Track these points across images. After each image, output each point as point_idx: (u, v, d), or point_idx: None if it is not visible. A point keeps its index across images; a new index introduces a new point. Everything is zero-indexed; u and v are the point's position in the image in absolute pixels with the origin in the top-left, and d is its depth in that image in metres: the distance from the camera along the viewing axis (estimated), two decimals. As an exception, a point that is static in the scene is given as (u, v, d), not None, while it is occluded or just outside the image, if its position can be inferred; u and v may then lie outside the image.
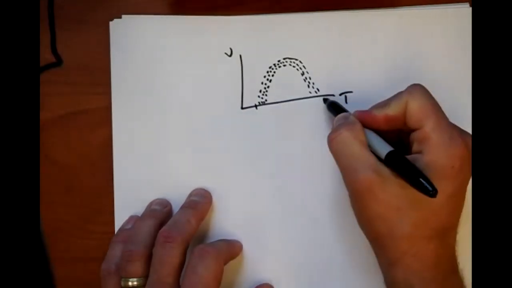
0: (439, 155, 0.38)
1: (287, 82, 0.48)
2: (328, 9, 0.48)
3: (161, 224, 0.44)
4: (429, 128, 0.38)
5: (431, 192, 0.35)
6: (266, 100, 0.48)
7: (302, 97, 0.48)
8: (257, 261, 0.47)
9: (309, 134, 0.47)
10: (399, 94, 0.41)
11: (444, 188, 0.37)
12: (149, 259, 0.42)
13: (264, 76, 0.48)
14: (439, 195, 0.36)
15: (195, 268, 0.41)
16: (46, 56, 0.42)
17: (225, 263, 0.43)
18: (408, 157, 0.39)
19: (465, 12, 0.47)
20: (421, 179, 0.36)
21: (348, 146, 0.40)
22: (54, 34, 0.43)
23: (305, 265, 0.47)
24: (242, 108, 0.48)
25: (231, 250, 0.45)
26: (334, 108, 0.46)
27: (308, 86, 0.48)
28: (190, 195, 0.47)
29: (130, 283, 0.42)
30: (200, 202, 0.46)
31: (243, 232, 0.47)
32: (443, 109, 0.46)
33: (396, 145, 0.40)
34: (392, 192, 0.38)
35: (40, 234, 0.45)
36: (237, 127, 0.48)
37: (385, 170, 0.38)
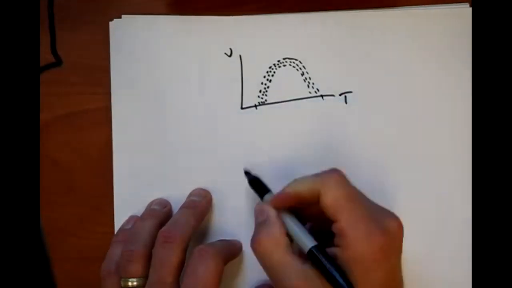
0: (358, 251, 0.37)
1: (287, 82, 0.48)
2: (328, 10, 0.48)
3: (161, 224, 0.44)
4: (343, 224, 0.37)
5: None
6: (266, 100, 0.48)
7: (302, 97, 0.48)
8: (257, 261, 0.47)
9: (308, 134, 0.47)
10: (314, 177, 0.40)
11: (372, 279, 0.36)
12: (149, 259, 0.42)
13: (264, 76, 0.48)
14: (371, 286, 0.36)
15: (195, 269, 0.41)
16: (46, 56, 0.42)
17: (225, 263, 0.43)
18: (331, 250, 0.38)
19: (465, 12, 0.47)
20: (337, 278, 0.36)
21: (269, 256, 0.39)
22: (54, 34, 0.43)
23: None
24: (242, 108, 0.48)
25: (231, 250, 0.45)
26: (256, 185, 0.45)
27: (308, 86, 0.48)
28: (190, 195, 0.47)
29: (130, 283, 0.42)
30: (200, 202, 0.46)
31: (243, 232, 0.47)
32: (443, 108, 0.46)
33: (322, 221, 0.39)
34: None
35: (40, 234, 0.45)
36: (237, 127, 0.48)
37: (310, 272, 0.38)
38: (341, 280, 0.36)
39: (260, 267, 0.45)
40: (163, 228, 0.43)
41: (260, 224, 0.41)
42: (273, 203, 0.41)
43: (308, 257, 0.38)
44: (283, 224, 0.40)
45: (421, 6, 0.48)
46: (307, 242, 0.39)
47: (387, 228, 0.37)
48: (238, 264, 0.47)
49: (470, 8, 0.47)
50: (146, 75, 0.48)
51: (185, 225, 0.43)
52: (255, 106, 0.48)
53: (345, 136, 0.47)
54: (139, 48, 0.48)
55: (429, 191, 0.47)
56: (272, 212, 0.41)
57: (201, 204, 0.46)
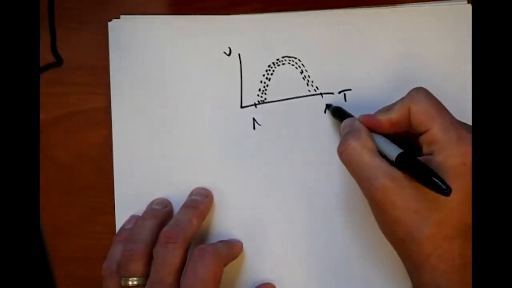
0: (450, 155, 0.38)
1: (286, 80, 0.48)
2: (327, 8, 0.48)
3: (162, 223, 0.44)
4: (435, 130, 0.38)
5: (445, 191, 0.35)
6: (265, 99, 0.48)
7: (301, 95, 0.48)
8: (258, 261, 0.47)
9: (308, 132, 0.48)
10: (401, 99, 0.41)
11: (459, 186, 0.37)
12: (149, 258, 0.42)
13: (263, 75, 0.48)
14: (456, 193, 0.36)
15: (194, 269, 0.41)
16: (46, 56, 0.42)
17: (225, 264, 0.43)
18: (420, 158, 0.38)
19: (464, 9, 0.47)
20: (433, 178, 0.36)
21: (358, 157, 0.40)
22: (54, 34, 0.42)
23: (306, 265, 0.47)
24: (241, 107, 0.48)
25: (231, 250, 0.45)
26: (338, 113, 0.46)
27: (307, 85, 0.48)
28: (191, 194, 0.47)
29: (130, 283, 0.42)
30: (201, 201, 0.46)
31: (244, 232, 0.47)
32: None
33: (406, 147, 0.40)
34: (408, 196, 0.38)
35: (40, 234, 0.45)
36: (237, 126, 0.48)
37: (398, 174, 0.38)
38: (438, 180, 0.36)
39: (261, 267, 0.46)
40: (165, 228, 0.43)
41: (347, 132, 0.42)
42: (362, 118, 0.42)
43: (396, 163, 0.39)
44: (371, 134, 0.41)
45: (420, 3, 0.48)
46: (394, 150, 0.39)
47: (469, 137, 0.38)
48: (239, 264, 0.47)
49: (470, 5, 0.47)
50: (145, 75, 0.48)
51: (187, 225, 0.43)
52: (255, 104, 0.48)
53: (344, 135, 0.47)
54: (138, 48, 0.48)
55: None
56: (359, 124, 0.42)
57: (202, 204, 0.46)
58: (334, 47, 0.48)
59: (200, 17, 0.49)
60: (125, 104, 0.48)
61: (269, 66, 0.48)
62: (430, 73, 0.47)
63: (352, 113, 0.46)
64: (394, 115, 0.41)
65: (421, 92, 0.40)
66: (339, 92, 0.48)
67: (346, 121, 0.43)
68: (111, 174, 0.48)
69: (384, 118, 0.41)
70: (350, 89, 0.48)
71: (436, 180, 0.36)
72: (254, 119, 0.48)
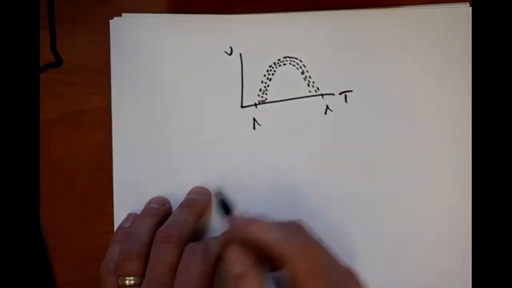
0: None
1: (287, 81, 0.48)
2: (329, 9, 0.48)
3: (159, 222, 0.44)
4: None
5: None
6: (266, 99, 0.48)
7: (302, 96, 0.48)
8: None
9: (308, 132, 0.48)
10: (279, 245, 0.35)
11: None
12: (146, 258, 0.42)
13: (264, 75, 0.48)
14: None
15: (186, 267, 0.41)
16: (46, 56, 0.42)
17: (218, 261, 0.43)
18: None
19: (465, 12, 0.47)
20: None
21: None
22: (54, 34, 0.42)
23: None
24: (242, 106, 0.48)
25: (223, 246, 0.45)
26: (223, 206, 0.41)
27: (308, 85, 0.48)
28: (189, 193, 0.47)
29: (127, 282, 0.42)
30: (199, 200, 0.46)
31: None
32: (444, 108, 0.46)
33: None
34: None
35: (40, 234, 0.45)
36: (237, 125, 0.48)
37: None
38: None
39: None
40: (161, 228, 0.43)
41: (239, 277, 0.36)
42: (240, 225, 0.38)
43: None
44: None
45: (421, 5, 0.48)
46: None
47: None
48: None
49: (470, 8, 0.47)
50: (146, 74, 0.48)
51: (183, 225, 0.43)
52: (255, 104, 0.48)
53: (345, 135, 0.47)
54: (139, 47, 0.48)
55: (429, 190, 0.47)
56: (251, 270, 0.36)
57: (200, 202, 0.46)
58: (335, 48, 0.48)
59: (202, 16, 0.49)
60: (125, 104, 0.48)
61: (270, 66, 0.48)
62: (431, 75, 0.47)
63: (353, 116, 0.46)
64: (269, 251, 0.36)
65: (297, 249, 0.35)
66: (340, 93, 0.48)
67: (231, 258, 0.37)
68: (111, 174, 0.48)
69: (265, 238, 0.36)
70: (351, 91, 0.48)
71: None
72: (254, 119, 0.48)
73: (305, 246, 0.36)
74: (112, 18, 0.48)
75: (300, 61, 0.48)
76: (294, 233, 0.37)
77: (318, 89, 0.48)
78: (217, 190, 0.42)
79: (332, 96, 0.48)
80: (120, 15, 0.49)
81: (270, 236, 0.36)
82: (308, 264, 0.35)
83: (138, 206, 0.47)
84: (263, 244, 0.35)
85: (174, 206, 0.47)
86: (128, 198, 0.48)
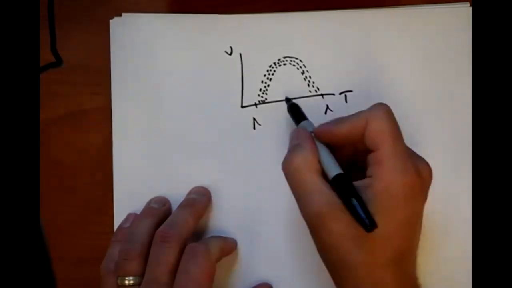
0: (390, 182, 0.37)
1: (287, 80, 0.48)
2: (329, 9, 0.48)
3: (159, 222, 0.44)
4: (383, 152, 0.38)
5: (368, 227, 0.36)
6: (266, 99, 0.48)
7: (302, 96, 0.48)
8: (255, 260, 0.47)
9: (309, 133, 0.48)
10: (362, 112, 0.40)
11: (394, 215, 0.37)
12: (146, 257, 0.42)
13: (264, 75, 0.48)
14: (390, 224, 0.36)
15: (186, 267, 0.41)
16: (46, 56, 0.42)
17: (217, 261, 0.43)
18: (360, 182, 0.38)
19: (465, 12, 0.47)
20: (358, 211, 0.36)
21: (300, 177, 0.39)
22: (54, 34, 0.42)
23: (304, 265, 0.47)
24: (242, 106, 0.48)
25: (223, 246, 0.45)
26: (294, 112, 0.46)
27: (308, 85, 0.48)
28: (189, 193, 0.47)
29: (126, 282, 0.42)
30: (199, 200, 0.46)
31: (242, 231, 0.47)
32: (443, 108, 0.46)
33: (351, 164, 0.40)
34: (343, 222, 0.37)
35: (40, 234, 0.45)
36: (237, 125, 0.48)
37: (336, 200, 0.38)
38: (360, 211, 0.36)
39: (258, 267, 0.46)
40: (160, 228, 0.43)
41: (294, 146, 0.41)
42: (315, 130, 0.42)
43: (332, 184, 0.39)
44: (317, 150, 0.40)
45: (421, 5, 0.48)
46: (334, 169, 0.39)
47: (421, 170, 0.38)
48: (236, 264, 0.47)
49: (470, 8, 0.47)
50: (146, 74, 0.48)
51: (182, 225, 0.43)
52: (255, 104, 0.48)
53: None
54: (140, 46, 0.48)
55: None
56: (308, 137, 0.41)
57: (200, 202, 0.46)
58: (335, 48, 0.48)
59: (202, 16, 0.49)
60: (125, 103, 0.48)
61: (270, 66, 0.48)
62: (431, 75, 0.47)
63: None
64: (349, 127, 0.40)
65: (382, 110, 0.39)
66: (340, 93, 0.48)
67: (297, 131, 0.43)
68: (111, 174, 0.48)
69: (339, 129, 0.40)
70: (351, 91, 0.48)
71: (361, 213, 0.36)
72: (254, 119, 0.48)
73: (387, 109, 0.40)
74: (112, 18, 0.48)
75: (300, 61, 0.48)
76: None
77: (318, 89, 0.48)
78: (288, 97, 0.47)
79: (332, 96, 0.48)
80: (120, 15, 0.49)
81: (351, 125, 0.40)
82: (391, 122, 0.39)
83: (138, 206, 0.47)
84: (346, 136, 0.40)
85: (174, 206, 0.47)
86: (128, 198, 0.48)
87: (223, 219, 0.47)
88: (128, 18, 0.49)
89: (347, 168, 0.40)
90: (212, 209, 0.47)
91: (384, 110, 0.39)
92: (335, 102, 0.48)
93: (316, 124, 0.42)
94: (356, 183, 0.38)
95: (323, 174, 0.40)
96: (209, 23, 0.49)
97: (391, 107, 0.47)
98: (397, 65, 0.48)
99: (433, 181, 0.46)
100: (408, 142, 0.47)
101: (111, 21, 0.48)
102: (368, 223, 0.36)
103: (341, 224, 0.37)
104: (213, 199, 0.47)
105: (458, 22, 0.47)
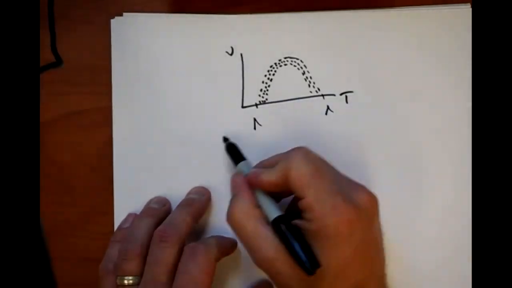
0: (323, 224, 0.37)
1: (288, 81, 0.48)
2: (329, 9, 0.48)
3: (159, 222, 0.44)
4: (309, 199, 0.38)
5: (310, 270, 0.36)
6: (266, 99, 0.48)
7: (303, 96, 0.48)
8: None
9: (309, 133, 0.47)
10: (283, 160, 0.40)
11: (338, 253, 0.37)
12: (145, 258, 0.42)
13: (265, 75, 0.48)
14: (336, 260, 0.37)
15: (186, 267, 0.41)
16: (46, 56, 0.42)
17: (217, 260, 0.43)
18: (300, 223, 0.38)
19: (465, 12, 0.47)
20: (298, 255, 0.37)
21: (242, 227, 0.40)
22: (54, 34, 0.42)
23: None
24: (242, 107, 0.48)
25: (223, 246, 0.45)
26: (231, 153, 0.46)
27: (309, 86, 0.48)
28: (189, 193, 0.47)
29: (125, 281, 0.42)
30: (198, 199, 0.46)
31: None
32: (444, 108, 0.46)
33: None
34: (290, 264, 0.37)
35: (40, 234, 0.45)
36: (238, 125, 0.48)
37: (280, 243, 0.38)
38: (301, 254, 0.36)
39: (256, 266, 0.46)
40: (159, 228, 0.43)
41: (232, 197, 0.42)
42: (247, 179, 0.42)
43: (273, 227, 0.39)
44: (255, 197, 0.41)
45: (421, 6, 0.48)
46: (273, 212, 0.40)
47: (355, 201, 0.38)
48: (236, 263, 0.47)
49: (470, 8, 0.47)
50: (146, 73, 0.48)
51: (181, 225, 0.43)
52: (256, 105, 0.48)
53: (345, 136, 0.47)
54: (140, 46, 0.48)
55: (429, 190, 0.47)
56: (242, 185, 0.42)
57: (199, 202, 0.46)
58: (336, 49, 0.48)
59: (203, 16, 0.49)
60: (125, 103, 0.48)
61: (271, 66, 0.48)
62: (431, 76, 0.47)
63: (353, 116, 0.46)
64: (274, 177, 0.40)
65: (298, 156, 0.39)
66: (341, 94, 0.48)
67: (232, 180, 0.44)
68: (111, 174, 0.48)
69: (266, 179, 0.40)
70: (352, 91, 0.48)
71: (301, 256, 0.36)
72: (255, 119, 0.48)
73: (304, 153, 0.40)
74: (113, 17, 0.48)
75: (301, 61, 0.48)
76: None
77: (319, 89, 0.48)
78: (225, 136, 0.47)
79: (333, 96, 0.48)
80: (121, 15, 0.49)
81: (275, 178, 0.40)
82: (310, 166, 0.39)
83: (138, 206, 0.47)
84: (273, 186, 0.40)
85: (174, 206, 0.47)
86: (128, 198, 0.48)
87: (223, 219, 0.47)
88: (129, 18, 0.49)
89: (293, 201, 0.41)
90: (212, 209, 0.47)
91: (300, 154, 0.39)
92: (336, 103, 0.48)
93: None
94: (298, 222, 0.39)
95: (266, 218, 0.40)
96: (210, 23, 0.49)
97: (392, 107, 0.47)
98: (397, 65, 0.47)
99: (433, 181, 0.46)
100: (408, 142, 0.47)
101: (112, 20, 0.48)
102: (309, 266, 0.36)
103: (288, 266, 0.38)
104: (213, 199, 0.47)
105: (459, 23, 0.47)
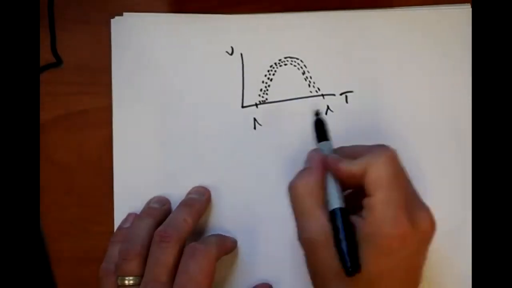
0: (379, 231, 0.37)
1: (288, 81, 0.48)
2: (329, 9, 0.48)
3: (159, 222, 0.44)
4: (376, 200, 0.37)
5: (350, 271, 0.36)
6: (266, 99, 0.48)
7: (303, 96, 0.48)
8: (255, 260, 0.47)
9: (309, 133, 0.47)
10: (367, 155, 0.39)
11: (379, 263, 0.37)
12: (145, 258, 0.42)
13: (265, 75, 0.48)
14: (374, 269, 0.36)
15: (186, 267, 0.41)
16: (46, 56, 0.42)
17: (217, 259, 0.43)
18: (356, 218, 0.38)
19: (465, 12, 0.47)
20: (345, 254, 0.37)
21: (301, 201, 0.40)
22: (54, 34, 0.43)
23: (303, 265, 0.47)
24: (242, 106, 0.48)
25: (223, 245, 0.45)
26: (318, 128, 0.44)
27: (309, 86, 0.48)
28: (189, 193, 0.47)
29: (126, 282, 0.42)
30: (198, 199, 0.46)
31: (242, 231, 0.47)
32: (444, 108, 0.46)
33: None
34: (332, 254, 0.37)
35: (40, 234, 0.45)
36: (238, 125, 0.48)
37: (331, 231, 0.38)
38: (346, 254, 0.36)
39: (258, 266, 0.46)
40: (159, 228, 0.43)
41: (304, 169, 0.42)
42: (326, 160, 0.41)
43: (330, 215, 0.39)
44: (325, 178, 0.41)
45: (421, 6, 0.48)
46: (335, 202, 0.39)
47: (417, 221, 0.37)
48: (236, 263, 0.47)
49: (470, 8, 0.47)
50: (147, 73, 0.48)
51: (181, 225, 0.43)
52: (256, 104, 0.48)
53: (346, 136, 0.47)
54: (140, 46, 0.48)
55: (429, 190, 0.47)
56: (319, 164, 0.41)
57: (199, 202, 0.46)
58: (336, 49, 0.48)
59: (203, 16, 0.49)
60: (125, 103, 0.48)
61: (271, 66, 0.48)
62: (431, 76, 0.47)
63: (353, 116, 0.46)
64: (354, 170, 0.39)
65: (383, 155, 0.39)
66: (341, 94, 0.48)
67: (311, 154, 0.43)
68: (111, 174, 0.48)
69: (345, 168, 0.40)
70: (352, 91, 0.48)
71: (345, 256, 0.36)
72: (255, 119, 0.48)
73: (390, 155, 0.39)
74: (113, 17, 0.48)
75: (301, 61, 0.48)
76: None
77: (319, 89, 0.48)
78: (318, 110, 0.45)
79: (333, 96, 0.48)
80: (121, 15, 0.49)
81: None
82: (390, 170, 0.38)
83: (138, 206, 0.47)
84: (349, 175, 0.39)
85: (174, 206, 0.47)
86: (128, 198, 0.48)
87: (223, 218, 0.47)
88: (129, 18, 0.49)
89: (353, 193, 0.41)
90: (212, 209, 0.47)
91: (386, 156, 0.39)
92: (336, 103, 0.48)
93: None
94: (355, 219, 0.38)
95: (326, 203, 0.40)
96: (210, 23, 0.48)
97: (392, 107, 0.47)
98: (397, 66, 0.47)
99: (434, 181, 0.46)
100: (408, 142, 0.47)
101: (112, 20, 0.48)
102: (349, 267, 0.36)
103: (329, 255, 0.38)
104: (213, 198, 0.47)
105: (459, 23, 0.47)
